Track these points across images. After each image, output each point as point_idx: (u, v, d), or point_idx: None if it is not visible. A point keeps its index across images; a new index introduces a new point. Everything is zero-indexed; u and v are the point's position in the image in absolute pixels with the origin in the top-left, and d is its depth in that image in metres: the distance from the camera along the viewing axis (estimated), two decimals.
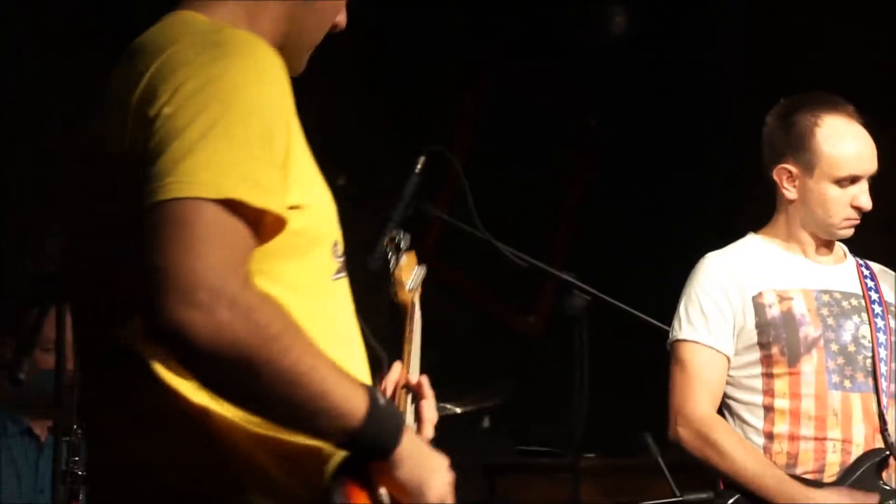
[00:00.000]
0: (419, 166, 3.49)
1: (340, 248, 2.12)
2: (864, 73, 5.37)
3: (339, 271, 2.12)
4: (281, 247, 2.02)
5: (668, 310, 3.68)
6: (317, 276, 2.09)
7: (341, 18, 2.29)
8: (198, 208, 1.88)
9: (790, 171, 3.63)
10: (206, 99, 1.96)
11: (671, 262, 3.87)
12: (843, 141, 3.60)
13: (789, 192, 3.64)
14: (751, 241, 3.75)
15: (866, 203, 3.59)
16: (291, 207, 2.01)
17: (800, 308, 3.60)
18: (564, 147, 6.56)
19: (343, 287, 2.13)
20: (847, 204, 3.60)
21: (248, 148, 1.94)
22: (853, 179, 3.59)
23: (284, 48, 2.19)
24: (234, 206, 1.89)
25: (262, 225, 1.95)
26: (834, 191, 3.60)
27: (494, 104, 6.32)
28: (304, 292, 2.05)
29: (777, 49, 5.80)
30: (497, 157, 6.12)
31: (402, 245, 2.99)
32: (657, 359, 3.68)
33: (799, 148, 3.61)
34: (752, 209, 3.82)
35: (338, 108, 5.63)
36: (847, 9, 5.56)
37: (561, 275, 3.48)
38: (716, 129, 6.13)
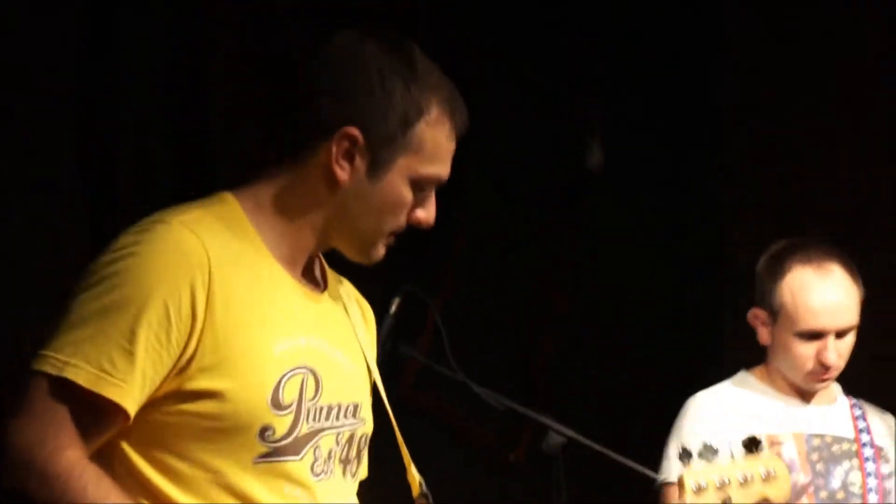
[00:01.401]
0: (394, 307, 3.50)
1: (279, 432, 2.26)
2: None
3: (270, 455, 2.26)
4: (190, 429, 2.24)
5: (651, 451, 3.66)
6: (234, 458, 2.24)
7: (421, 214, 2.43)
8: (39, 382, 2.22)
9: (761, 317, 3.63)
10: (98, 280, 2.23)
11: (659, 404, 3.86)
12: (805, 295, 3.57)
13: (763, 336, 3.64)
14: (742, 379, 3.72)
15: (829, 360, 3.56)
16: (202, 392, 2.22)
17: (789, 454, 3.58)
18: (542, 283, 6.57)
19: (280, 470, 2.27)
20: (812, 357, 3.57)
21: (110, 336, 2.20)
22: (817, 335, 3.56)
23: (338, 235, 2.42)
24: (68, 386, 2.19)
25: (105, 409, 2.21)
26: (797, 344, 3.58)
27: (474, 242, 6.35)
28: (218, 472, 2.24)
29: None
30: (476, 293, 6.13)
31: None
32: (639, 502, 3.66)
33: (768, 294, 3.62)
34: (737, 348, 3.83)
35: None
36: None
37: (536, 416, 3.47)
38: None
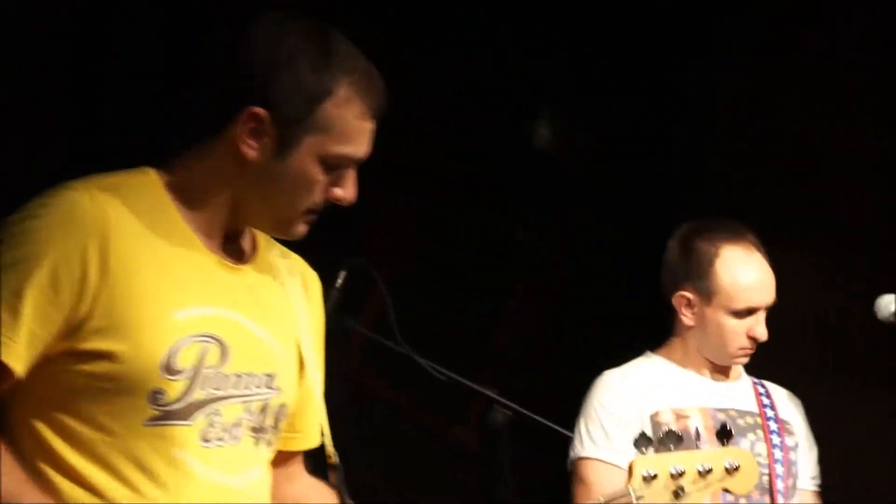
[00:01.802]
0: (340, 280, 3.49)
1: (171, 395, 2.33)
2: None
3: (160, 418, 2.33)
4: (86, 390, 2.30)
5: None
6: (125, 420, 2.31)
7: (338, 192, 2.47)
8: None
9: (688, 299, 3.67)
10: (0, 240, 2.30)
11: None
12: (742, 273, 3.64)
13: (687, 318, 3.69)
14: (648, 359, 3.77)
15: (762, 334, 3.63)
16: (96, 353, 2.29)
17: (696, 426, 3.60)
18: (492, 262, 6.56)
19: (168, 433, 2.34)
20: (743, 334, 3.64)
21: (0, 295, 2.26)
22: (750, 311, 3.62)
23: (252, 212, 2.48)
24: None
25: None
26: (731, 321, 3.64)
27: (423, 215, 6.33)
28: (111, 433, 2.31)
29: None
30: (425, 271, 6.12)
31: None
32: None
33: (698, 276, 3.66)
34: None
35: None
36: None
37: (480, 389, 3.47)
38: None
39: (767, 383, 3.81)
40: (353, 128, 2.45)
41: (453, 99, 6.08)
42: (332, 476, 2.66)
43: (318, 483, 2.70)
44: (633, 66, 6.07)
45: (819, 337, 5.34)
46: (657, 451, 2.92)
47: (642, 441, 2.89)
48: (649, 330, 3.90)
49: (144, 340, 2.33)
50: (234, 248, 2.51)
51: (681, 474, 2.89)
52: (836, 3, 5.51)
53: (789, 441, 3.69)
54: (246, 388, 2.44)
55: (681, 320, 3.71)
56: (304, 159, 2.43)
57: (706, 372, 3.72)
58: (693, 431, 3.55)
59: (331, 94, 2.42)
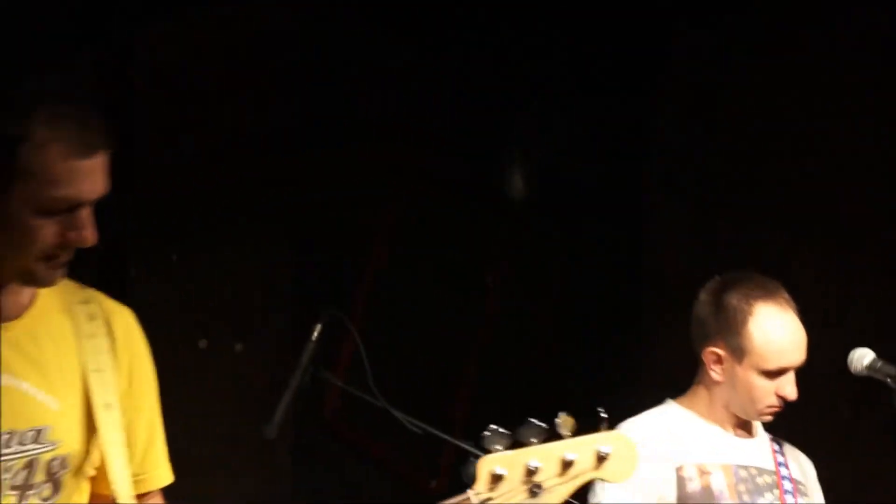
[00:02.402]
0: (316, 333, 3.49)
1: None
2: None
3: None
4: None
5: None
6: None
7: (72, 235, 2.41)
8: None
9: (718, 355, 3.61)
10: None
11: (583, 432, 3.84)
12: (775, 333, 3.57)
13: (716, 374, 3.62)
14: (670, 409, 3.71)
15: (791, 394, 3.57)
16: None
17: (718, 484, 3.58)
18: (465, 307, 6.56)
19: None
20: (772, 393, 3.58)
21: None
22: (781, 371, 3.57)
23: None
24: None
25: None
26: (761, 381, 3.58)
27: (395, 263, 6.33)
28: None
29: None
30: (396, 320, 6.11)
31: None
32: None
33: (730, 333, 3.59)
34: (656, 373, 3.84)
35: (239, 271, 5.61)
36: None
37: (455, 442, 3.46)
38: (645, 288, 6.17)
39: (782, 441, 3.76)
40: (60, 169, 2.38)
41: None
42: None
43: None
44: (627, 66, 6.08)
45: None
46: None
47: (494, 438, 2.68)
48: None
49: None
50: (1, 306, 2.47)
51: (537, 469, 2.62)
52: (837, 3, 5.54)
53: (801, 500, 3.65)
54: (7, 447, 2.42)
55: (709, 375, 3.66)
56: (19, 208, 2.38)
57: (729, 427, 3.66)
58: (716, 490, 3.54)
59: (24, 140, 2.37)
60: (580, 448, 2.66)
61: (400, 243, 6.29)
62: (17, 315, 2.50)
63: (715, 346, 3.60)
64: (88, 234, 2.42)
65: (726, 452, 3.64)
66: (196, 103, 5.25)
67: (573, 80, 6.14)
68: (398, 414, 3.42)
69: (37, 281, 2.46)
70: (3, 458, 2.41)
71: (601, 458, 2.66)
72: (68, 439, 2.49)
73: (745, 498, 3.59)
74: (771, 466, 3.68)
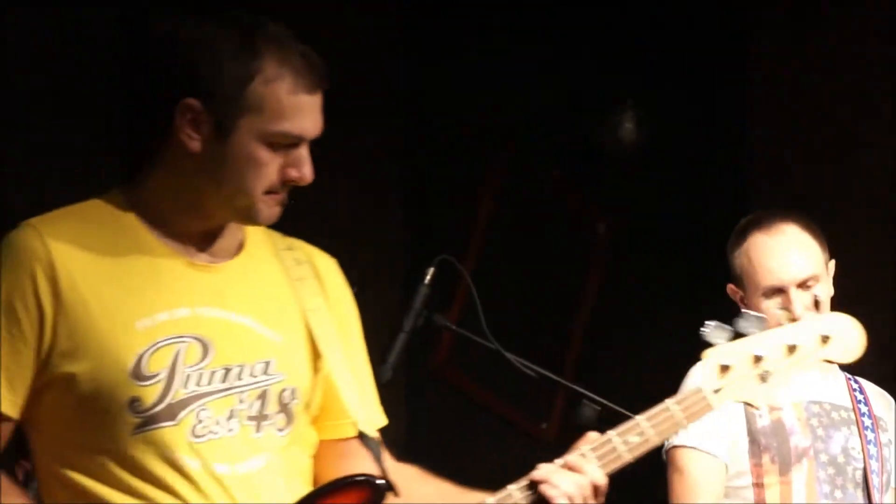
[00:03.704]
0: (429, 277, 3.52)
1: (148, 400, 2.41)
2: None
3: (144, 425, 2.40)
4: (73, 417, 2.41)
5: None
6: (116, 436, 2.39)
7: (292, 172, 2.48)
8: None
9: (734, 290, 3.69)
10: None
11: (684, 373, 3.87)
12: (760, 254, 3.64)
13: (742, 308, 3.66)
14: None
15: (798, 311, 3.56)
16: (67, 377, 2.39)
17: (789, 418, 3.59)
18: (576, 255, 6.58)
19: (157, 438, 2.41)
20: (783, 315, 3.58)
21: None
22: (778, 290, 3.60)
23: (213, 204, 2.49)
24: None
25: None
26: (764, 304, 3.61)
27: (505, 211, 6.36)
28: (111, 453, 2.40)
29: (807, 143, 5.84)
30: (509, 264, 6.15)
31: None
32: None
33: (733, 266, 3.70)
34: None
35: (354, 215, 5.68)
36: None
37: (570, 385, 3.48)
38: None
39: (860, 379, 3.78)
40: (287, 104, 2.45)
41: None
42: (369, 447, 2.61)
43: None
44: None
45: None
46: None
47: (715, 332, 2.71)
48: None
49: (107, 354, 2.39)
50: (215, 248, 2.54)
51: (763, 357, 2.66)
52: None
53: (883, 437, 3.66)
54: (238, 378, 2.47)
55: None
56: (245, 140, 2.44)
57: None
58: (788, 425, 3.55)
59: (258, 73, 2.44)
60: (802, 332, 2.70)
61: (512, 192, 6.33)
62: (232, 256, 2.56)
63: (731, 282, 3.70)
64: (307, 171, 2.48)
65: (796, 388, 3.64)
66: None
67: (675, 26, 6.13)
68: (511, 357, 3.45)
69: (259, 217, 2.50)
70: (240, 389, 2.47)
71: (825, 339, 2.69)
72: (296, 372, 2.54)
73: (820, 432, 3.60)
74: (847, 403, 3.68)
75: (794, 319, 3.56)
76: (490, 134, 6.22)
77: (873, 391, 3.77)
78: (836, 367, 3.74)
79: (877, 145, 5.65)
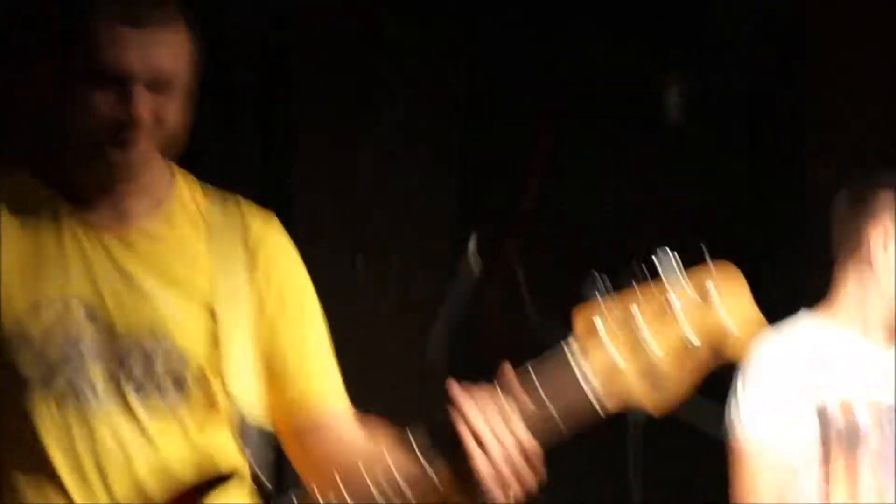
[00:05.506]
0: (472, 245, 3.49)
1: (28, 371, 2.39)
2: None
3: (29, 392, 2.40)
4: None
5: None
6: (20, 410, 2.38)
7: (120, 111, 2.39)
8: None
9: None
10: None
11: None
12: None
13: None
14: (805, 322, 3.61)
15: None
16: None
17: (864, 421, 3.49)
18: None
19: (37, 405, 2.39)
20: None
21: None
22: None
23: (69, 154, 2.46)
24: None
25: None
26: None
27: (552, 187, 6.34)
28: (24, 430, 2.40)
29: None
30: (554, 240, 6.12)
31: None
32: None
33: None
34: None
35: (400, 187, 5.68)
36: None
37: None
38: None
39: None
40: (101, 39, 2.38)
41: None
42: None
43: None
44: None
45: None
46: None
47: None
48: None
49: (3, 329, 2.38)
50: (121, 209, 2.48)
51: (635, 314, 2.28)
52: None
53: None
54: (127, 345, 2.43)
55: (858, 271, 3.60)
56: (70, 80, 2.40)
57: (882, 334, 3.56)
58: (863, 429, 3.46)
59: (75, 7, 2.42)
60: (678, 286, 2.30)
61: (558, 165, 6.30)
62: (136, 220, 2.50)
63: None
64: (134, 111, 2.38)
65: (874, 378, 3.50)
66: None
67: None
68: (553, 326, 3.43)
69: (112, 165, 2.42)
70: (121, 355, 2.43)
71: (704, 294, 2.29)
72: (182, 336, 2.46)
73: (888, 431, 3.49)
74: None
75: None
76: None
77: None
78: None
79: None
